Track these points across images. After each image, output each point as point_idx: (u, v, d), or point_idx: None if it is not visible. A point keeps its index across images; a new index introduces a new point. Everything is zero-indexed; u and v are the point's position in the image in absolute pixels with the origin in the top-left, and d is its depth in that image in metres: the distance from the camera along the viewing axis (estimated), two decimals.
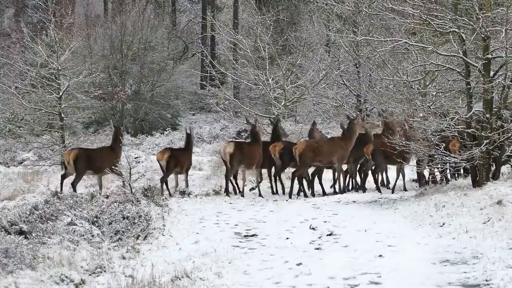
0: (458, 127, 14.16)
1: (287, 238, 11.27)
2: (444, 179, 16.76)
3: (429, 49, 14.43)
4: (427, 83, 16.25)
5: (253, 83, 25.16)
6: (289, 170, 18.25)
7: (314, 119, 22.67)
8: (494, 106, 13.85)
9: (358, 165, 18.22)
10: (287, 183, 17.89)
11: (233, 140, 20.45)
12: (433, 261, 9.25)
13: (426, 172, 17.74)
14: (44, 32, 27.41)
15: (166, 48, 37.53)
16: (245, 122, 20.34)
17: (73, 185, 16.95)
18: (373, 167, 17.89)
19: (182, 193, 16.78)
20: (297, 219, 13.06)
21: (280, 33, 30.49)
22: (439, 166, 15.09)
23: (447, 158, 14.41)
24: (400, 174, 17.74)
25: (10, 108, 25.61)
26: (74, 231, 10.26)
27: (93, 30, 36.16)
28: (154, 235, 11.10)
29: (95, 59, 32.15)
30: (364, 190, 17.67)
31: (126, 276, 8.63)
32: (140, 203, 13.23)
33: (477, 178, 13.91)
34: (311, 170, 18.03)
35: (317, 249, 10.45)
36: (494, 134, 13.63)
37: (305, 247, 10.53)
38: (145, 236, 10.86)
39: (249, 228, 12.46)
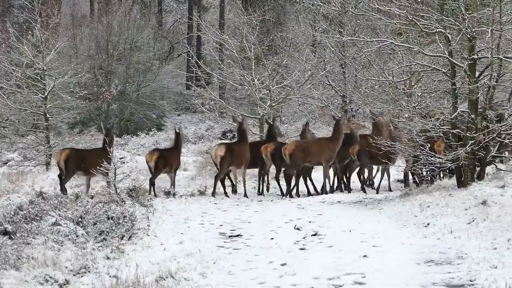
0: (443, 127, 14.17)
1: (272, 239, 11.26)
2: (430, 178, 16.75)
3: (415, 49, 14.45)
4: (413, 84, 16.30)
5: (239, 84, 25.10)
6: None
7: (300, 119, 22.67)
8: (479, 107, 13.86)
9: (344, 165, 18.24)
10: (273, 183, 17.91)
11: (223, 142, 20.36)
12: (417, 261, 9.25)
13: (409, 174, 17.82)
14: (30, 32, 27.40)
15: (152, 48, 37.52)
16: (232, 120, 20.28)
17: (61, 184, 16.95)
18: (358, 168, 17.92)
19: (167, 194, 16.77)
20: (282, 220, 13.05)
21: (266, 33, 30.46)
22: (424, 166, 15.09)
23: (432, 158, 14.43)
24: (385, 174, 17.78)
25: None
26: (59, 232, 10.21)
27: (79, 30, 36.06)
28: (138, 235, 11.07)
29: (80, 59, 32.14)
30: (349, 190, 17.69)
31: (110, 276, 8.60)
32: (125, 204, 13.19)
33: (462, 179, 13.90)
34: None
35: (302, 249, 10.44)
36: (479, 134, 13.63)
37: (290, 248, 10.52)
38: (130, 236, 10.83)
39: (234, 229, 12.45)
